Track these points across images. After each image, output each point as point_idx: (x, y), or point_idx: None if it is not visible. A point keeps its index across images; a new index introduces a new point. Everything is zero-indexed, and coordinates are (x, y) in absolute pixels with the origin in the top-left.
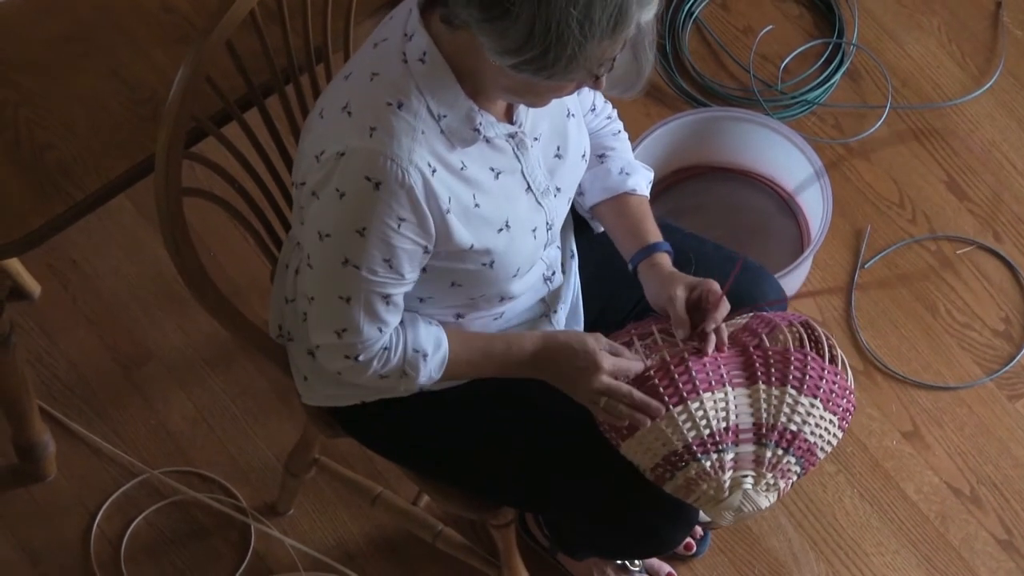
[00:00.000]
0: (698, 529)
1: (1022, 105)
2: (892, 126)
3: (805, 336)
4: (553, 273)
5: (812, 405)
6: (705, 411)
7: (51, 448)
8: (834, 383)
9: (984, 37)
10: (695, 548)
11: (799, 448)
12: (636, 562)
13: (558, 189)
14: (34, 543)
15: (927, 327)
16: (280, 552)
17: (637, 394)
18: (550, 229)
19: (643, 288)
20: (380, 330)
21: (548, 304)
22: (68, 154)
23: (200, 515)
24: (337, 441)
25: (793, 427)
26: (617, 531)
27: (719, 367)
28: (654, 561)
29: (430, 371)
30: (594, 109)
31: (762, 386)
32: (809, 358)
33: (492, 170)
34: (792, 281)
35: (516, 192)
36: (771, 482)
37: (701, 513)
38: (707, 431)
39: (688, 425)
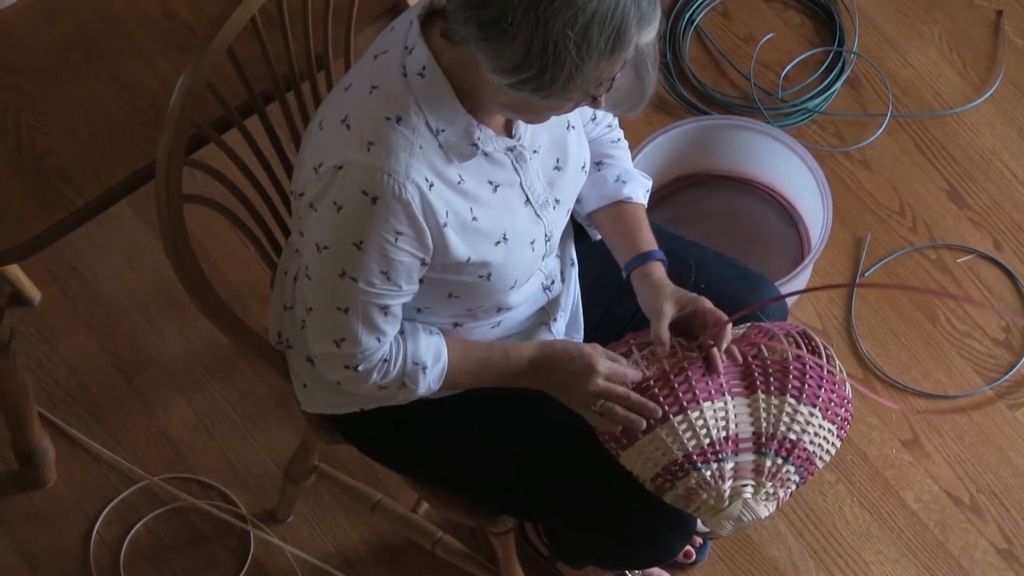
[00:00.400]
0: (697, 537)
1: (1022, 114)
2: (893, 134)
3: (803, 346)
4: (552, 283)
5: (811, 414)
6: (705, 420)
7: (51, 454)
8: (832, 392)
9: (985, 46)
10: (694, 556)
11: (798, 457)
12: (635, 571)
13: (557, 201)
14: (34, 549)
15: (927, 336)
16: (279, 559)
17: (635, 396)
18: (548, 241)
19: (637, 297)
20: (379, 340)
21: (547, 312)
22: (69, 160)
23: (199, 522)
24: (337, 448)
25: (792, 436)
26: (616, 540)
27: (718, 377)
28: (653, 570)
29: (429, 383)
30: (594, 118)
31: (761, 395)
32: (808, 368)
33: (490, 183)
34: (792, 289)
35: (515, 205)
36: (770, 491)
37: (700, 522)
38: (707, 440)
39: (688, 434)
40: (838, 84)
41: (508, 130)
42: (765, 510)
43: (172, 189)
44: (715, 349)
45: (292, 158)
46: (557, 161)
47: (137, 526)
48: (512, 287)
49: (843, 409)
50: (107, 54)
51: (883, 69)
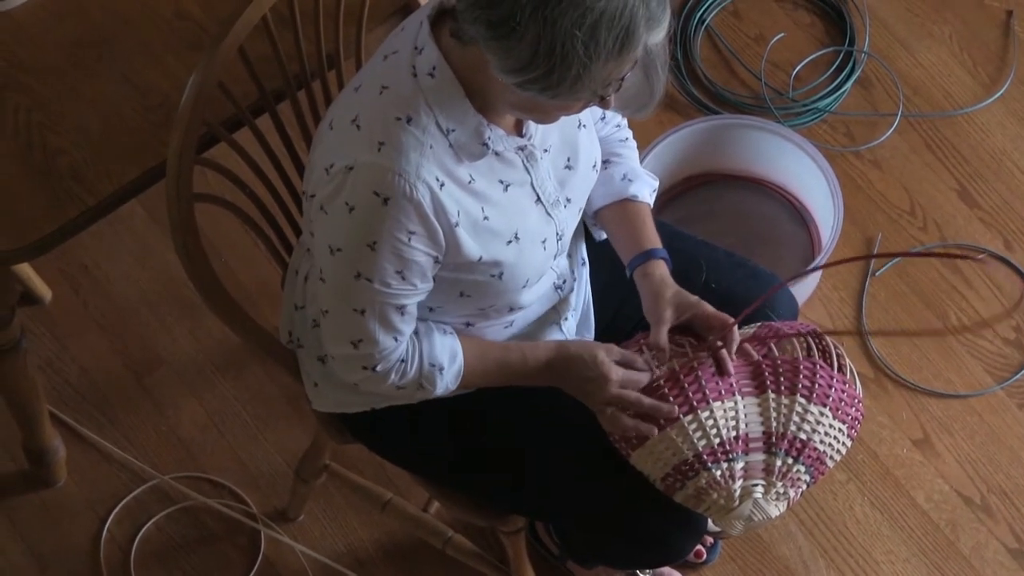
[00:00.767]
0: (708, 537)
1: None
2: (903, 134)
3: (813, 346)
4: (564, 282)
5: (822, 414)
6: (715, 420)
7: (61, 453)
8: (843, 392)
9: (995, 46)
10: (705, 556)
11: (809, 457)
12: (646, 570)
13: (568, 200)
14: (44, 548)
15: (938, 335)
16: (290, 558)
17: (647, 401)
18: (560, 240)
19: (640, 296)
20: (396, 339)
21: (558, 312)
22: (80, 159)
23: (210, 521)
24: (348, 447)
25: (803, 436)
26: (626, 540)
27: (728, 376)
28: (664, 569)
29: (447, 383)
30: (603, 117)
31: (771, 395)
32: (818, 367)
33: (501, 183)
34: (803, 289)
35: (526, 204)
36: (781, 491)
37: (711, 522)
38: (717, 440)
39: (699, 434)
40: (849, 84)
41: (519, 129)
42: (776, 510)
43: (183, 188)
44: (724, 351)
45: (303, 157)
46: (568, 160)
47: (148, 525)
48: (524, 286)
49: (853, 408)
50: (118, 53)
51: (894, 69)
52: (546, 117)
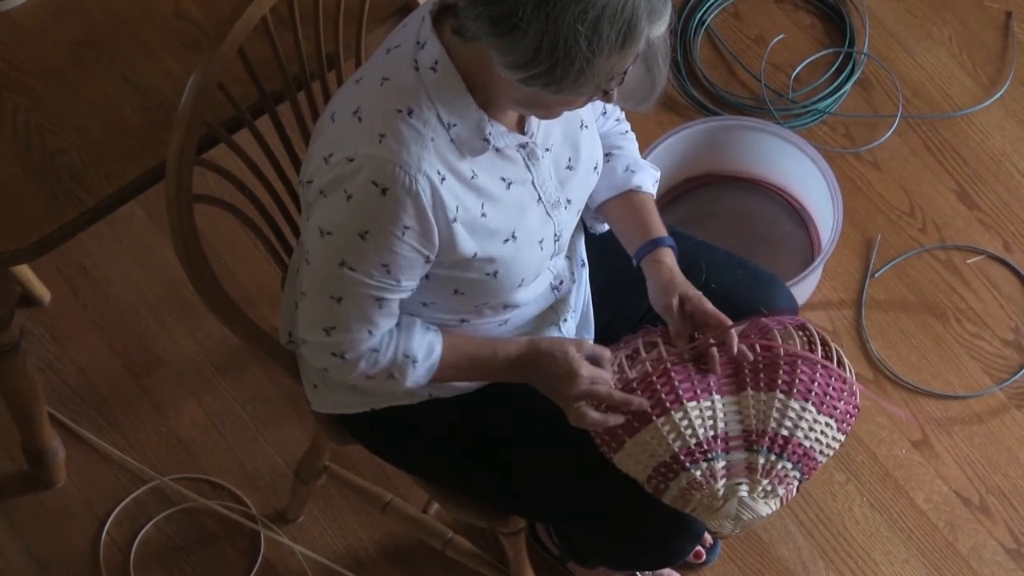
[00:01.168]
0: (708, 537)
1: None
2: (903, 135)
3: (798, 339)
4: (561, 282)
5: (803, 409)
6: (690, 420)
7: (60, 454)
8: (828, 386)
9: (995, 47)
10: (705, 557)
11: (794, 453)
12: (646, 571)
13: (568, 201)
14: (43, 550)
15: (937, 336)
16: (290, 559)
17: (617, 395)
18: (558, 240)
19: (647, 285)
20: (369, 332)
21: (557, 312)
22: (79, 160)
23: (210, 522)
24: (347, 448)
25: (784, 432)
26: (626, 541)
27: (706, 376)
28: (664, 570)
29: (417, 377)
30: (604, 112)
31: (750, 392)
32: (799, 361)
33: (503, 180)
34: (802, 290)
35: (527, 203)
36: (768, 489)
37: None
38: (693, 440)
39: (672, 435)
40: (848, 85)
41: (520, 127)
42: (766, 507)
43: (182, 189)
44: (714, 349)
45: (303, 158)
46: (569, 160)
47: (147, 526)
48: (519, 286)
49: (842, 402)
50: (117, 54)
51: (893, 70)
52: (549, 112)
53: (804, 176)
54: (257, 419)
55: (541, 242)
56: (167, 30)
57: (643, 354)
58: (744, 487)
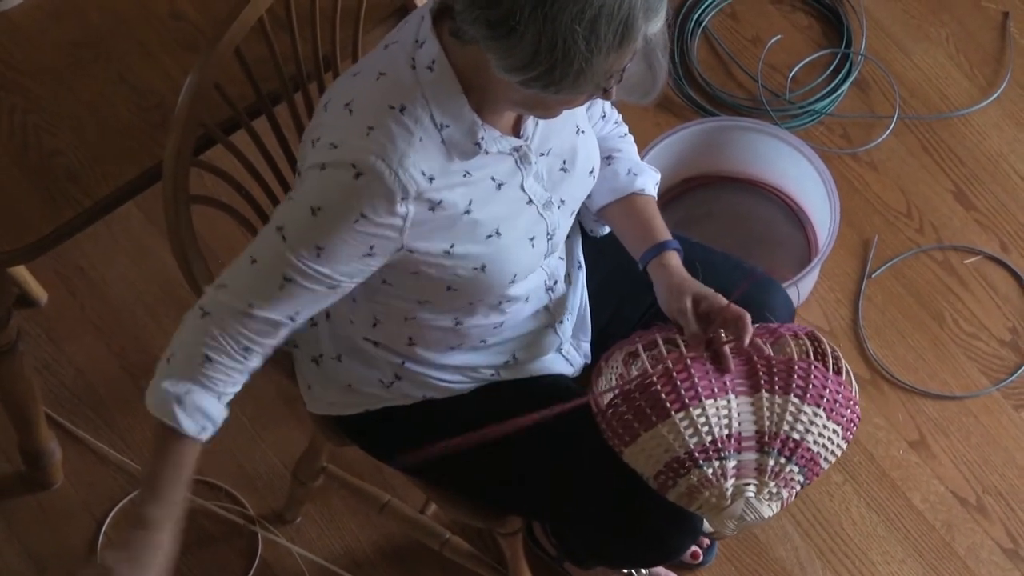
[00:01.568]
0: (704, 538)
1: None
2: (900, 136)
3: (811, 347)
4: (555, 283)
5: (815, 414)
6: (707, 417)
7: (58, 455)
8: (838, 394)
9: (992, 48)
10: (701, 557)
11: (802, 457)
12: (642, 571)
13: (562, 201)
14: (40, 550)
15: (934, 337)
16: (287, 560)
17: None
18: (551, 239)
19: (654, 289)
20: (249, 305)
21: (553, 314)
22: (76, 160)
23: (207, 523)
24: (345, 449)
25: (796, 436)
26: (624, 538)
27: (722, 375)
28: (660, 570)
29: (160, 397)
30: (604, 116)
31: (765, 394)
32: (813, 368)
33: (494, 180)
34: (800, 290)
35: (517, 203)
36: (774, 491)
37: (705, 522)
38: (709, 438)
39: (690, 432)
40: (845, 86)
41: (516, 130)
42: (768, 510)
43: (179, 190)
44: (727, 348)
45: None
46: (563, 163)
47: None
48: (512, 282)
49: (848, 411)
50: (114, 54)
51: (890, 71)
52: (548, 112)
53: (801, 177)
54: (255, 420)
55: (532, 239)
56: (164, 31)
57: (662, 349)
58: (752, 488)
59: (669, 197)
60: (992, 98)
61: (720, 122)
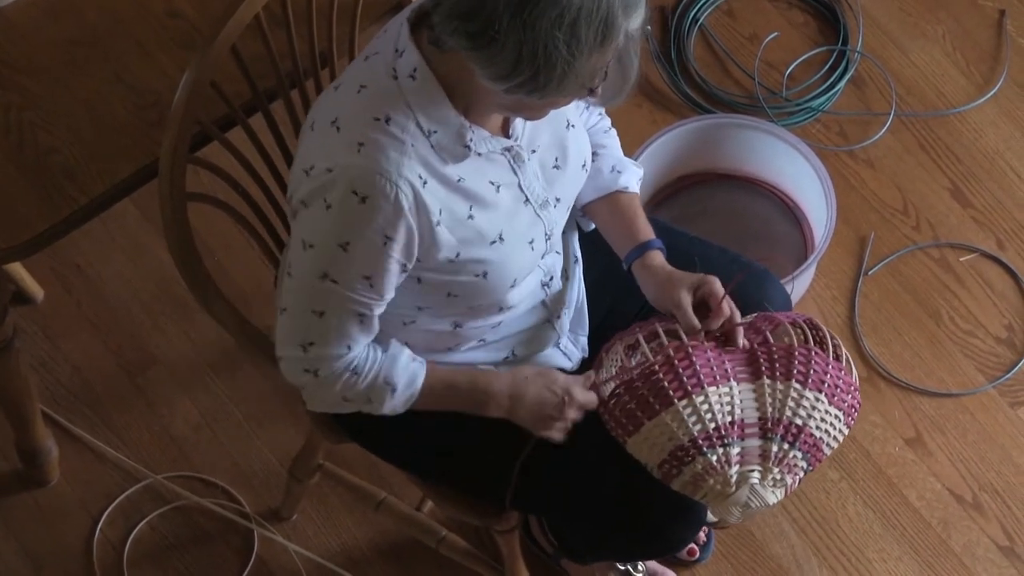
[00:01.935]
0: (701, 535)
1: None
2: (896, 133)
3: (809, 334)
4: (551, 279)
5: (817, 400)
6: (710, 405)
7: (54, 453)
8: (839, 379)
9: (988, 45)
10: (698, 554)
11: (805, 443)
12: (639, 568)
13: (558, 200)
14: (37, 548)
15: (930, 334)
16: (283, 557)
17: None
18: (548, 239)
19: (641, 288)
20: (349, 347)
21: (551, 309)
22: (72, 158)
23: (203, 520)
24: (341, 446)
25: (799, 421)
26: (624, 531)
27: (724, 363)
28: (657, 567)
29: (395, 404)
30: (587, 107)
31: (767, 381)
32: (813, 353)
33: (492, 184)
34: (796, 287)
35: (515, 205)
36: (778, 477)
37: (709, 512)
38: (712, 425)
39: (693, 419)
40: (842, 83)
41: (505, 130)
42: (773, 496)
43: (176, 187)
44: (739, 328)
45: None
46: (556, 160)
47: (141, 525)
48: (512, 286)
49: (850, 396)
50: (111, 52)
51: (887, 68)
52: (535, 114)
53: (798, 174)
54: (251, 417)
55: (531, 242)
56: (160, 28)
57: (663, 338)
58: (756, 474)
59: (665, 194)
60: (988, 95)
61: (717, 119)
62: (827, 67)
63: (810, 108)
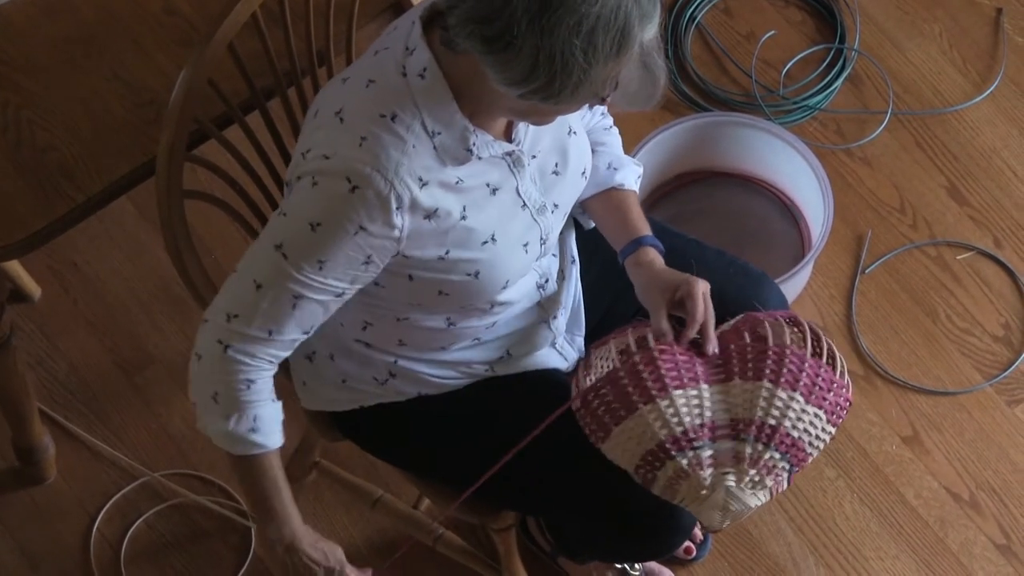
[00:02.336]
0: (698, 533)
1: (1022, 112)
2: (893, 132)
3: (787, 331)
4: (546, 281)
5: (791, 399)
6: (676, 408)
7: (51, 451)
8: (817, 376)
9: (985, 43)
10: (695, 553)
11: (781, 443)
12: (636, 566)
13: (555, 205)
14: (34, 546)
15: (927, 332)
16: None
17: None
18: (544, 243)
19: (634, 286)
20: (269, 333)
21: (547, 310)
22: (69, 156)
23: (200, 518)
24: (338, 444)
25: (772, 422)
26: (619, 534)
27: (694, 365)
28: (654, 565)
29: (229, 430)
30: (590, 107)
31: (738, 382)
32: (788, 352)
33: (488, 186)
34: (793, 286)
35: (512, 208)
36: (756, 479)
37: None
38: (680, 428)
39: (659, 423)
40: (839, 81)
41: (508, 134)
42: (754, 498)
43: (173, 185)
44: (711, 331)
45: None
46: (556, 165)
47: (138, 523)
48: (504, 287)
49: (832, 393)
50: (108, 50)
51: (884, 66)
52: (544, 120)
53: (795, 172)
54: None
55: (526, 245)
56: (157, 26)
57: (631, 344)
58: (731, 477)
59: (662, 193)
60: (985, 94)
61: (714, 118)
62: (824, 65)
63: (807, 106)
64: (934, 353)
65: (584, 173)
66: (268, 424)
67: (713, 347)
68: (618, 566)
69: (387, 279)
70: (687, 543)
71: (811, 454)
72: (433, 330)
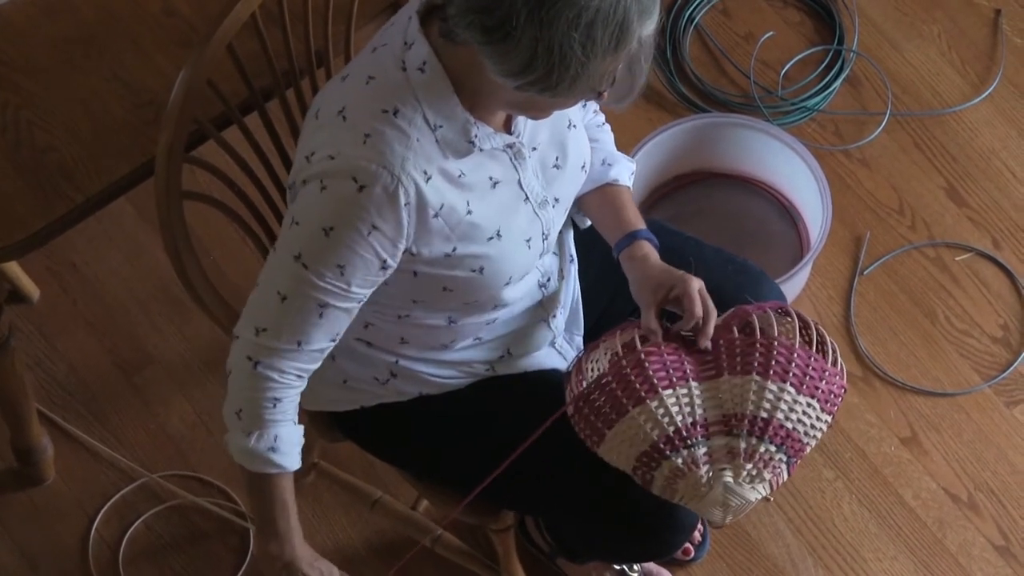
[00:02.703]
0: (696, 534)
1: (1021, 113)
2: (892, 133)
3: (775, 321)
4: (548, 280)
5: (781, 390)
6: (667, 408)
7: (50, 452)
8: (808, 366)
9: (984, 45)
10: (693, 553)
11: (776, 435)
12: (635, 567)
13: (556, 200)
14: (32, 547)
15: (926, 333)
16: None
17: None
18: (546, 239)
19: (629, 281)
20: (298, 344)
21: (546, 309)
22: (69, 156)
23: (199, 519)
24: (337, 445)
25: (764, 415)
26: (619, 534)
27: (682, 364)
28: (652, 566)
29: (250, 447)
30: (584, 104)
31: (727, 377)
32: (776, 343)
33: (491, 179)
34: (792, 287)
35: (514, 203)
36: (754, 473)
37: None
38: (672, 428)
39: (650, 425)
40: (838, 82)
41: (507, 127)
42: (754, 492)
43: (172, 186)
44: (708, 327)
45: (292, 155)
46: (556, 159)
47: (136, 524)
48: (507, 284)
49: (824, 382)
50: (107, 51)
51: (882, 68)
52: (541, 113)
53: (793, 174)
54: None
55: (529, 241)
56: (157, 27)
57: (617, 346)
58: (728, 472)
59: (661, 194)
60: (984, 95)
61: (712, 119)
62: (823, 66)
63: (806, 107)
64: (933, 354)
65: (584, 167)
66: (288, 445)
67: (705, 342)
68: (617, 567)
69: (392, 276)
70: (686, 544)
71: (808, 444)
72: (434, 328)
